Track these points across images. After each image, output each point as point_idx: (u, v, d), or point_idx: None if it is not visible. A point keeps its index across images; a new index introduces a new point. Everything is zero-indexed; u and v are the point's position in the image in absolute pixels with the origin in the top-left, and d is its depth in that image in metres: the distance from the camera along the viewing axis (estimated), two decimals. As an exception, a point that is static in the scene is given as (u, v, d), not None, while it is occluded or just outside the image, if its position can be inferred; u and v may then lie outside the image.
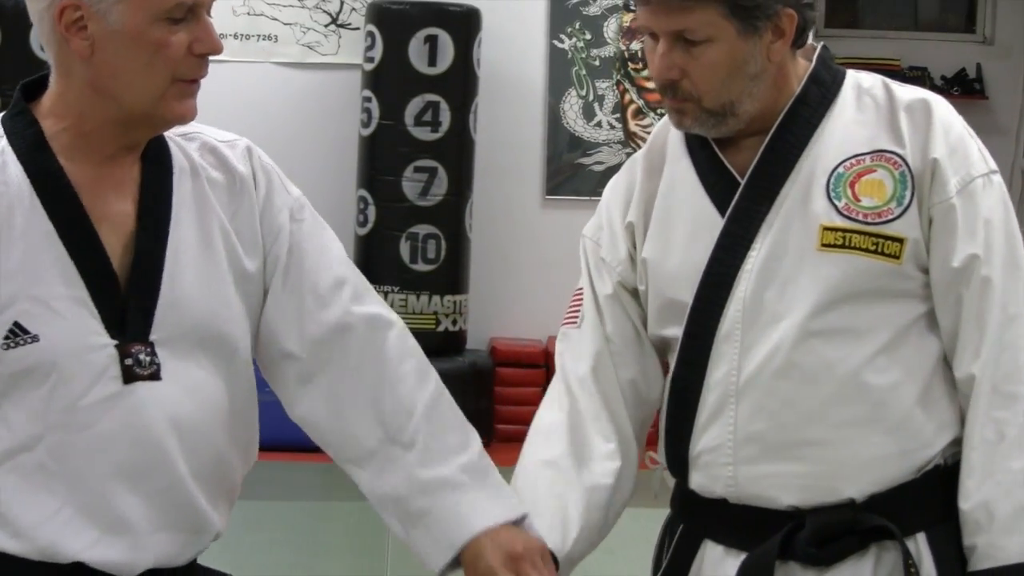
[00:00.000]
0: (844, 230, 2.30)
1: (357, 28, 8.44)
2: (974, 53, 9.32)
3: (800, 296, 2.31)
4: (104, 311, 2.16)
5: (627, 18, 8.63)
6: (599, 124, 8.67)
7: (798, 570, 2.34)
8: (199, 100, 2.22)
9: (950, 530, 2.33)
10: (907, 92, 2.38)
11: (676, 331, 2.39)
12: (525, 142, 8.65)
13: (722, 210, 2.36)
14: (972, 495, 2.29)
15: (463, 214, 8.18)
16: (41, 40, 2.19)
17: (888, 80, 2.40)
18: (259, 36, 8.49)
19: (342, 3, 8.57)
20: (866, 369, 2.31)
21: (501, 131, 8.49)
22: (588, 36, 8.64)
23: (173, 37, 2.14)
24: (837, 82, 2.39)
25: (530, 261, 8.50)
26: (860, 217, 2.31)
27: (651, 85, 8.65)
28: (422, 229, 8.07)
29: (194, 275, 2.22)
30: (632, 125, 8.66)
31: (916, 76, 8.96)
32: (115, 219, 2.20)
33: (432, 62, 8.03)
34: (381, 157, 8.12)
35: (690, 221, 2.39)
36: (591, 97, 8.66)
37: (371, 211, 8.13)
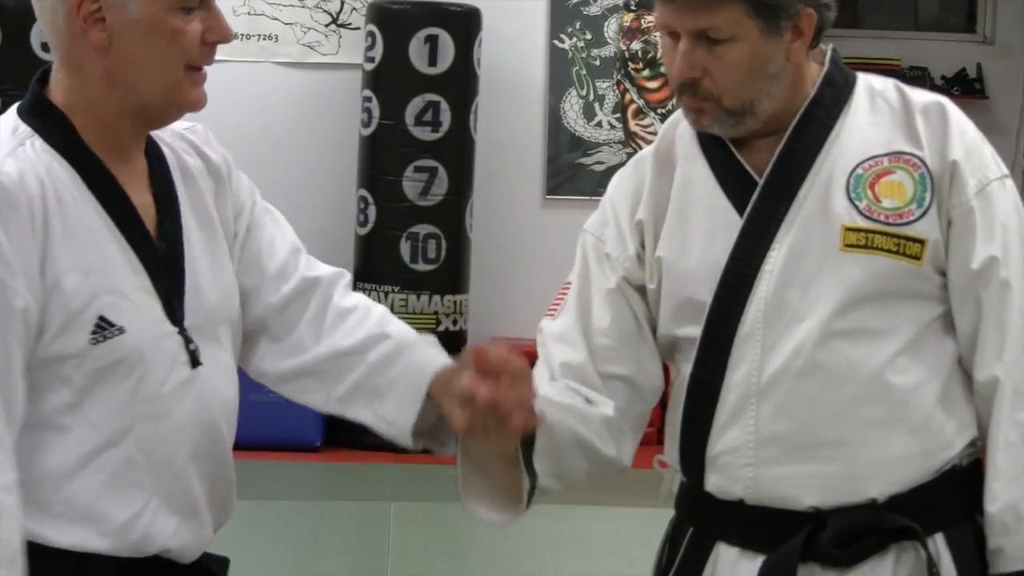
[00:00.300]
0: (867, 231, 2.31)
1: (357, 28, 8.44)
2: (974, 53, 9.33)
3: (823, 296, 2.31)
4: (162, 299, 2.21)
5: (627, 18, 8.64)
6: (599, 124, 8.67)
7: (818, 571, 2.33)
8: (199, 100, 2.27)
9: (968, 531, 2.34)
10: (921, 95, 2.40)
11: (692, 331, 2.38)
12: (525, 142, 8.65)
13: (740, 209, 2.37)
14: (999, 497, 2.29)
15: (463, 214, 8.18)
16: (48, 35, 2.20)
17: (900, 83, 2.42)
18: (259, 36, 8.50)
19: (342, 3, 8.57)
20: (889, 369, 2.31)
21: (501, 131, 8.49)
22: (588, 36, 8.65)
23: (188, 26, 2.18)
24: (849, 84, 2.40)
25: (530, 261, 8.50)
26: (882, 218, 2.31)
27: (651, 85, 8.70)
28: (422, 229, 8.07)
29: (205, 262, 2.28)
30: (632, 125, 8.66)
31: (916, 76, 8.96)
32: (143, 210, 2.23)
33: (432, 62, 8.03)
34: (381, 157, 8.12)
35: (707, 220, 2.39)
36: (591, 97, 8.66)
37: (371, 211, 8.13)
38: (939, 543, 2.34)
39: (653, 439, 2.54)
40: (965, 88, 9.19)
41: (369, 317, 2.41)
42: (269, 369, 2.40)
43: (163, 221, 2.24)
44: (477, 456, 2.37)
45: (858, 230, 2.31)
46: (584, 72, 8.66)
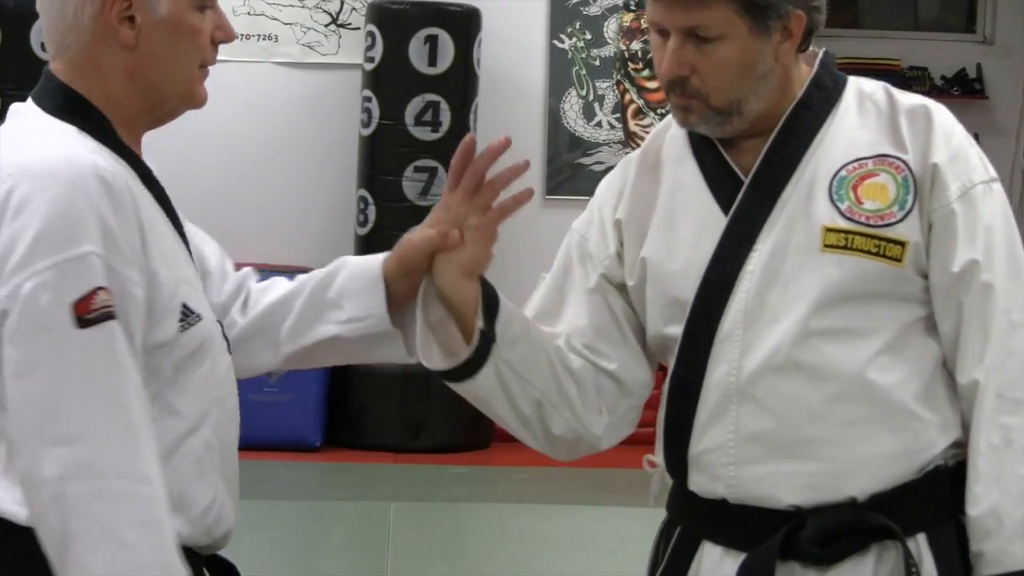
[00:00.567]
0: (847, 232, 2.31)
1: (357, 28, 8.45)
2: (974, 53, 9.33)
3: (802, 295, 2.31)
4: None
5: (627, 18, 8.64)
6: (599, 124, 8.67)
7: (798, 569, 2.33)
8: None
9: (950, 532, 2.34)
10: (908, 98, 2.40)
11: (679, 330, 2.39)
12: (525, 142, 8.64)
13: (726, 210, 2.38)
14: (980, 501, 2.29)
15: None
16: (61, 35, 2.20)
17: (890, 86, 2.42)
18: (259, 36, 8.50)
19: (342, 3, 8.58)
20: (870, 367, 2.31)
21: (501, 131, 8.34)
22: (588, 36, 8.65)
23: (203, 24, 2.22)
24: (839, 87, 2.40)
25: (530, 261, 8.43)
26: (863, 219, 2.32)
27: (651, 85, 8.70)
28: (422, 229, 8.07)
29: (190, 256, 2.31)
30: (632, 125, 8.66)
31: (916, 76, 8.96)
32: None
33: (432, 62, 8.03)
34: (381, 157, 8.13)
35: (695, 221, 2.40)
36: (591, 97, 8.66)
37: (371, 211, 8.13)
38: (921, 543, 2.34)
39: (648, 439, 2.54)
40: (965, 88, 9.19)
41: (288, 281, 2.47)
42: None
43: (173, 215, 2.28)
44: (435, 314, 2.39)
45: (838, 231, 2.31)
46: (584, 72, 8.67)
